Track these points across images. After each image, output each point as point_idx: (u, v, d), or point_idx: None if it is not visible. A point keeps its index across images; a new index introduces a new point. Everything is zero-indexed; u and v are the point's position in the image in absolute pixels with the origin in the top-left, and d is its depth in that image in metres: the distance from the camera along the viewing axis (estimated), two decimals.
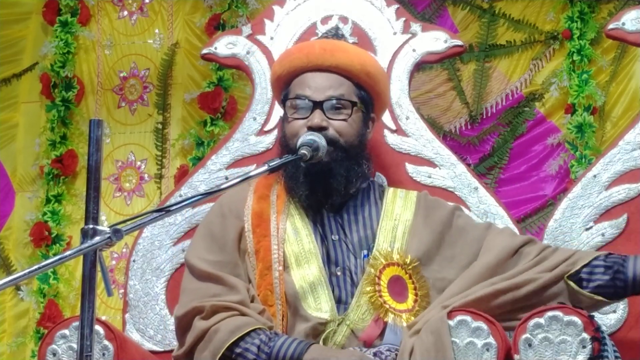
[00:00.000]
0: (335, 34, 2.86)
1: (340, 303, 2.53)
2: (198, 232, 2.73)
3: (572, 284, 2.46)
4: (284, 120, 2.72)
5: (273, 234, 2.58)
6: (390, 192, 2.74)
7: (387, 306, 2.48)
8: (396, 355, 2.40)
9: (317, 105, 2.61)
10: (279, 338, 2.42)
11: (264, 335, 2.43)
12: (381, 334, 2.49)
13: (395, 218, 2.65)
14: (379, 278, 2.50)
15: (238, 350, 2.41)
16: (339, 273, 2.56)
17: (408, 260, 2.55)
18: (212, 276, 2.55)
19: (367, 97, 2.70)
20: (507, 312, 2.45)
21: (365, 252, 2.58)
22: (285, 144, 2.65)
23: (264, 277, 2.54)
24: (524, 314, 2.36)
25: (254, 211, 2.63)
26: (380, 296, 2.49)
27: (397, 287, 2.51)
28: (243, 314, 2.47)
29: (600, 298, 2.46)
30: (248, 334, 2.43)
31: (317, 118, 2.59)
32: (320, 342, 2.48)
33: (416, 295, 2.52)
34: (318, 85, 2.64)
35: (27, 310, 4.26)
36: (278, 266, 2.55)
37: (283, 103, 2.72)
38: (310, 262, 2.56)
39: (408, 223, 2.65)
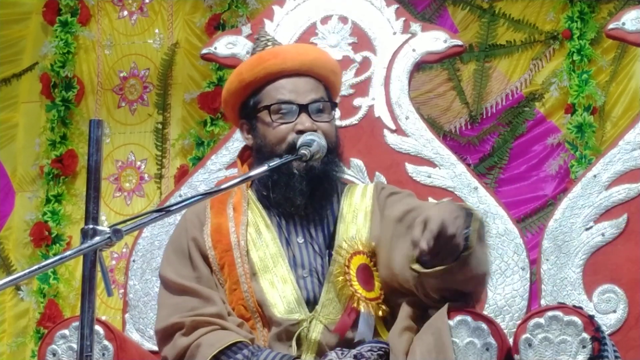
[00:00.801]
0: (272, 39, 2.82)
1: (309, 304, 2.53)
2: (168, 247, 2.71)
3: (417, 267, 2.36)
4: (259, 127, 2.65)
5: (235, 247, 2.57)
6: (348, 187, 2.73)
7: (358, 295, 2.48)
8: (378, 356, 2.40)
9: (303, 108, 2.61)
10: (262, 353, 2.42)
11: (246, 350, 2.42)
12: (354, 325, 2.49)
13: (355, 209, 2.65)
14: (348, 267, 2.50)
15: None
16: (306, 275, 2.56)
17: (372, 247, 2.54)
18: (187, 289, 2.54)
19: (331, 96, 2.71)
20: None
21: (329, 250, 2.58)
22: (269, 150, 2.61)
23: (234, 292, 2.54)
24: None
25: (213, 227, 2.61)
26: (351, 285, 2.48)
27: (364, 276, 2.51)
28: (224, 328, 2.47)
29: (437, 268, 2.32)
30: (230, 348, 2.42)
31: (307, 121, 2.59)
32: (293, 342, 2.48)
33: (381, 283, 2.53)
34: (299, 89, 2.63)
35: (27, 310, 4.27)
36: (245, 279, 2.54)
37: (253, 109, 2.66)
38: (277, 267, 2.55)
39: (368, 210, 2.64)
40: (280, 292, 2.52)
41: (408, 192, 2.71)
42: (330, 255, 2.55)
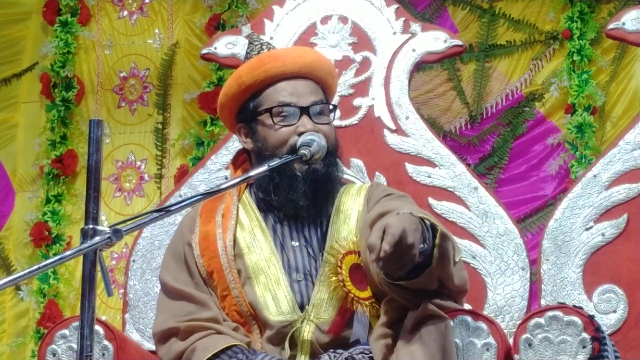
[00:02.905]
0: (267, 43, 2.81)
1: (302, 307, 2.52)
2: (167, 251, 2.72)
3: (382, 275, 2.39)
4: (259, 130, 2.63)
5: (222, 254, 2.57)
6: (344, 187, 2.73)
7: (352, 295, 2.47)
8: (369, 358, 2.40)
9: (304, 111, 2.61)
10: (256, 356, 2.42)
11: (241, 354, 2.42)
12: (348, 324, 2.48)
13: (348, 208, 2.64)
14: (340, 267, 2.49)
15: None
16: (300, 279, 2.56)
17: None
18: (184, 294, 2.56)
19: (328, 98, 2.72)
20: None
21: (323, 252, 2.57)
22: (270, 153, 2.59)
23: (225, 299, 2.54)
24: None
25: (201, 235, 2.62)
26: (344, 286, 2.47)
27: (357, 276, 2.50)
28: (219, 332, 2.47)
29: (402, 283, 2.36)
30: (225, 352, 2.43)
31: (309, 124, 2.59)
32: (286, 344, 2.47)
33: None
34: (300, 92, 2.63)
35: (27, 310, 4.27)
36: (235, 284, 2.54)
37: (252, 114, 2.64)
38: (270, 270, 2.55)
39: (360, 210, 2.63)
40: (273, 295, 2.52)
41: (401, 194, 2.68)
42: (322, 256, 2.55)
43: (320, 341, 2.47)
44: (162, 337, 2.53)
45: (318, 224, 2.63)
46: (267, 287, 2.53)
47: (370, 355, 2.40)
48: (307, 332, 2.48)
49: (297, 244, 2.60)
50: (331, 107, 2.66)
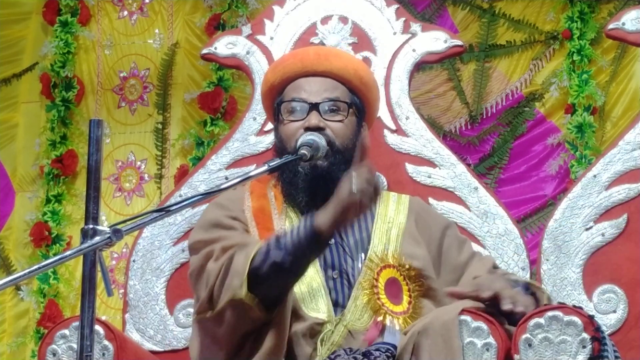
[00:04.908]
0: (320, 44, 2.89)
1: (337, 306, 2.53)
2: (197, 225, 2.71)
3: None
4: (277, 125, 2.71)
5: (277, 229, 2.59)
6: (383, 195, 2.73)
7: (385, 309, 2.48)
8: (386, 357, 2.40)
9: (314, 107, 2.62)
10: (285, 234, 2.38)
11: (270, 241, 2.39)
12: (381, 334, 2.49)
13: (389, 221, 2.66)
14: (377, 280, 2.51)
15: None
16: (335, 276, 2.57)
17: (403, 262, 2.55)
18: (216, 224, 2.57)
19: (360, 103, 2.71)
20: None
21: (362, 254, 2.58)
22: (281, 148, 2.64)
23: None
24: None
25: (255, 208, 2.63)
26: (379, 299, 2.49)
27: (393, 289, 2.52)
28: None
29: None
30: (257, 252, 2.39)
31: (314, 119, 2.60)
32: (318, 343, 2.48)
33: (410, 297, 2.53)
34: (313, 89, 2.65)
35: (27, 310, 4.26)
36: None
37: (277, 109, 2.71)
38: None
39: (402, 226, 2.66)
40: (308, 290, 2.53)
41: (461, 248, 2.76)
42: (362, 260, 2.56)
43: (349, 345, 2.48)
44: (200, 268, 2.50)
45: (354, 224, 2.62)
46: (303, 282, 2.53)
47: (385, 353, 2.41)
48: (339, 335, 2.49)
49: (332, 241, 2.60)
50: (338, 105, 2.65)
